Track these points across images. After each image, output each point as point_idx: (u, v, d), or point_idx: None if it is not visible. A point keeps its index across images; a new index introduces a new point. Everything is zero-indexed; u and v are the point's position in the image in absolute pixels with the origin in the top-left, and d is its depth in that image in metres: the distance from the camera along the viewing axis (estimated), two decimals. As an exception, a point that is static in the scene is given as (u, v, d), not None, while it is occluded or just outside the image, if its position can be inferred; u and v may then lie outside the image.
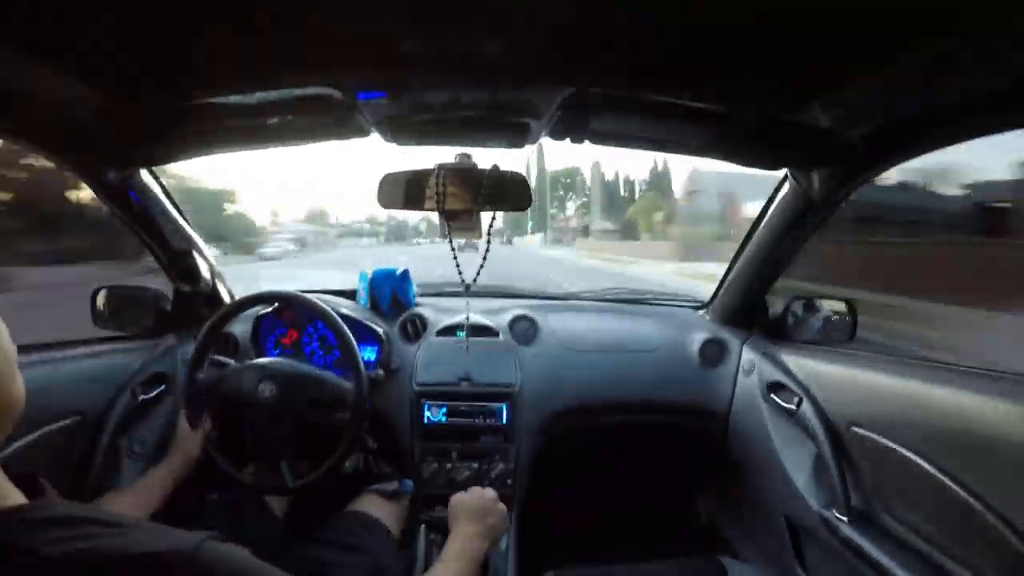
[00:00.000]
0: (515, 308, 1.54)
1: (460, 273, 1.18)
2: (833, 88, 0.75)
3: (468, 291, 1.20)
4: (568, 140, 0.99)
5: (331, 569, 0.93)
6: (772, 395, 1.25)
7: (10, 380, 0.48)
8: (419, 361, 1.36)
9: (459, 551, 0.80)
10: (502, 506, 0.92)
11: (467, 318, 1.37)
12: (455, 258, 1.13)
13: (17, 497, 0.45)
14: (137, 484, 1.00)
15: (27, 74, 0.70)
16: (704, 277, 8.22)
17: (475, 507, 0.88)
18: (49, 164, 0.96)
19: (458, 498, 0.91)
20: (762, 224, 1.26)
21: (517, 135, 0.97)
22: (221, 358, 1.16)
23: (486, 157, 1.03)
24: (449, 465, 1.28)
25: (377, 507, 1.13)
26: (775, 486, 1.20)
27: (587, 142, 1.00)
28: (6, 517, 0.42)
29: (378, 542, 1.04)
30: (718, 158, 1.10)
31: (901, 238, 6.33)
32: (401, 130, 0.96)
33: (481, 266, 1.14)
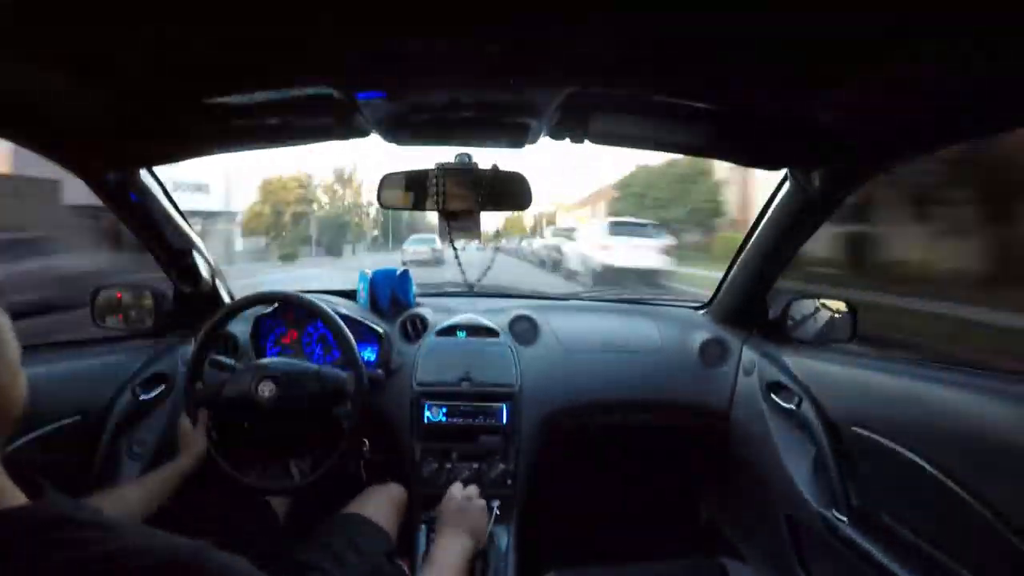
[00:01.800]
0: (515, 308, 1.54)
1: (463, 273, 1.19)
2: (833, 88, 0.75)
3: (472, 291, 1.21)
4: (568, 140, 0.99)
5: (328, 573, 0.93)
6: (772, 395, 1.25)
7: (13, 379, 0.47)
8: (419, 361, 1.36)
9: (441, 554, 0.87)
10: (481, 502, 1.01)
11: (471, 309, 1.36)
12: (457, 258, 1.13)
13: (18, 497, 0.45)
14: (144, 479, 0.98)
15: (26, 75, 0.70)
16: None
17: (454, 508, 0.97)
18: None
19: (442, 504, 1.00)
20: (762, 224, 1.25)
21: (517, 135, 0.97)
22: (222, 358, 1.16)
23: (486, 157, 1.04)
24: (449, 465, 1.28)
25: (374, 509, 1.12)
26: (775, 486, 1.20)
27: (587, 142, 1.01)
28: (7, 518, 0.42)
29: (376, 544, 1.03)
30: (718, 158, 1.10)
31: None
32: (401, 130, 0.96)
33: (488, 267, 1.15)
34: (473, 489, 1.04)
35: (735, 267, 1.40)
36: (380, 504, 1.14)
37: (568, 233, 11.80)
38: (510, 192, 1.05)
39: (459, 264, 1.15)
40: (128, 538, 0.43)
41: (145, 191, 1.12)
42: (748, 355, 1.39)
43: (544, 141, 1.01)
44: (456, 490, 1.02)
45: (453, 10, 0.60)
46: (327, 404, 1.10)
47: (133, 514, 0.88)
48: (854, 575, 0.95)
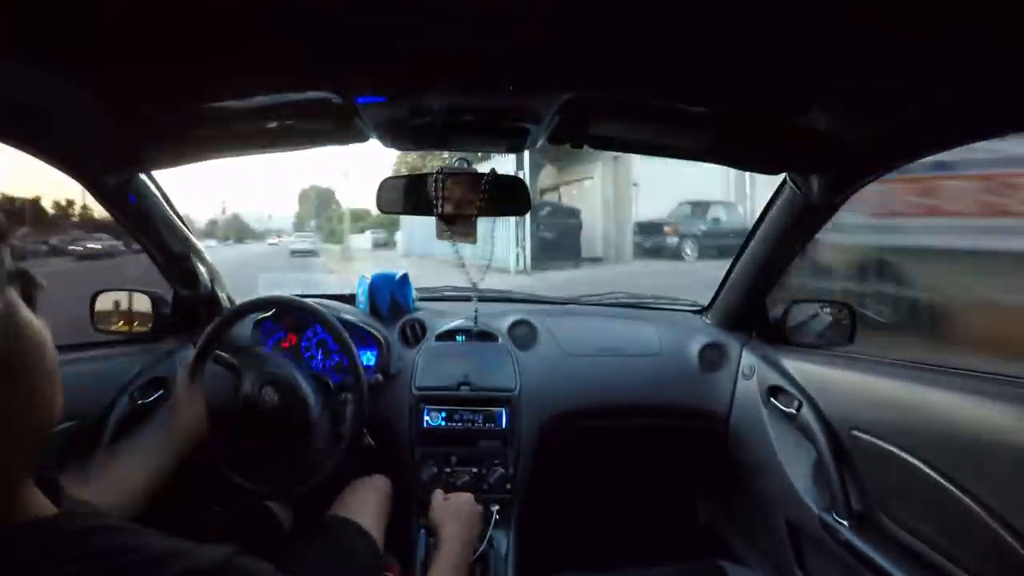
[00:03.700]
0: (514, 313, 1.54)
1: (468, 275, 1.19)
2: (833, 90, 0.75)
3: (476, 290, 1.20)
4: (567, 145, 1.00)
5: None
6: (772, 399, 1.25)
7: (53, 390, 0.45)
8: (418, 365, 1.36)
9: (444, 556, 0.89)
10: (478, 507, 1.05)
11: (475, 314, 1.36)
12: (461, 260, 1.13)
13: (47, 506, 0.44)
14: (150, 448, 0.90)
15: (26, 78, 0.70)
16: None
17: (443, 509, 1.00)
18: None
19: (439, 503, 1.03)
20: (761, 228, 1.26)
21: (516, 140, 0.98)
22: (226, 355, 1.15)
23: (485, 160, 1.04)
24: (448, 470, 1.28)
25: (361, 508, 1.10)
26: (775, 490, 1.20)
27: (586, 147, 1.01)
28: (37, 529, 0.41)
29: (363, 550, 1.01)
30: (717, 162, 1.10)
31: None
32: (400, 135, 0.96)
33: (487, 268, 1.15)
34: (466, 494, 1.08)
35: (734, 271, 1.40)
36: (367, 502, 1.13)
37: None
38: (508, 197, 1.05)
39: (463, 266, 1.15)
40: (156, 547, 0.43)
41: (144, 195, 1.12)
42: (748, 359, 1.39)
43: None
44: (439, 495, 1.07)
45: (453, 14, 0.60)
46: (327, 410, 1.10)
47: (134, 486, 0.84)
48: None
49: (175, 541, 0.45)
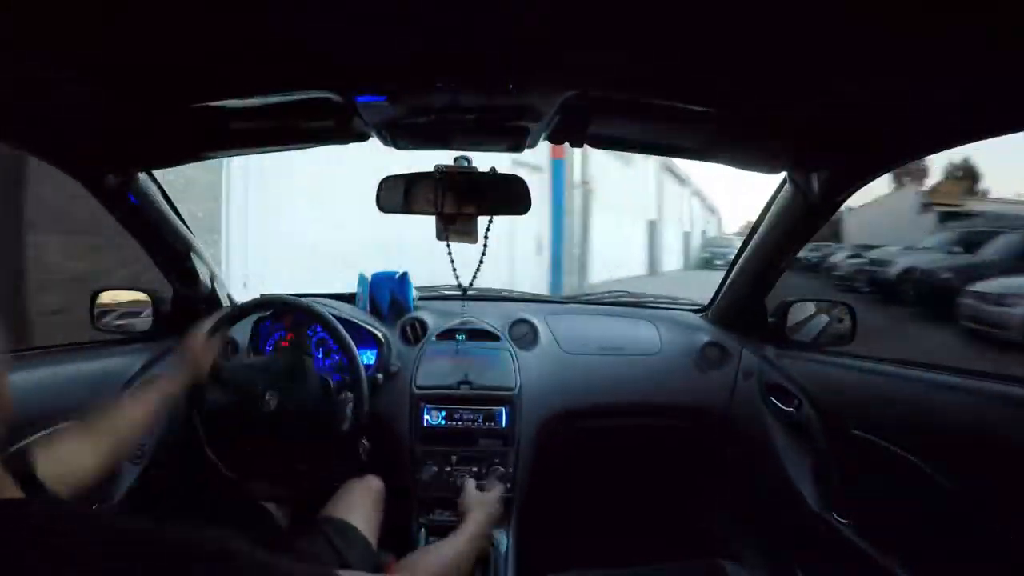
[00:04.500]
0: (515, 312, 1.54)
1: (457, 276, 1.19)
2: (833, 89, 0.75)
3: (465, 294, 1.20)
4: (567, 144, 1.00)
5: None
6: (772, 398, 1.25)
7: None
8: (419, 364, 1.36)
9: (468, 532, 0.91)
10: (495, 493, 1.09)
11: (476, 314, 1.36)
12: (451, 261, 1.13)
13: (15, 492, 0.44)
14: (125, 402, 0.91)
15: (26, 78, 0.70)
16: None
17: (485, 497, 1.04)
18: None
19: (473, 491, 1.06)
20: (761, 227, 1.26)
21: (516, 139, 0.97)
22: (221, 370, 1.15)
23: (484, 160, 1.04)
24: (448, 469, 1.28)
25: (355, 509, 1.09)
26: (775, 489, 1.20)
27: (586, 146, 1.01)
28: (2, 511, 0.41)
29: (360, 554, 1.00)
30: (717, 161, 1.10)
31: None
32: (400, 134, 0.96)
33: (477, 269, 1.15)
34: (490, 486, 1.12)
35: (734, 270, 1.40)
36: (361, 503, 1.12)
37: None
38: (509, 195, 1.04)
39: (453, 268, 1.15)
40: (130, 531, 0.42)
41: (144, 194, 1.12)
42: (747, 358, 1.39)
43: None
44: (471, 483, 1.11)
45: (453, 13, 0.60)
46: (327, 418, 1.11)
47: (121, 436, 0.84)
48: None
49: (140, 524, 0.43)
